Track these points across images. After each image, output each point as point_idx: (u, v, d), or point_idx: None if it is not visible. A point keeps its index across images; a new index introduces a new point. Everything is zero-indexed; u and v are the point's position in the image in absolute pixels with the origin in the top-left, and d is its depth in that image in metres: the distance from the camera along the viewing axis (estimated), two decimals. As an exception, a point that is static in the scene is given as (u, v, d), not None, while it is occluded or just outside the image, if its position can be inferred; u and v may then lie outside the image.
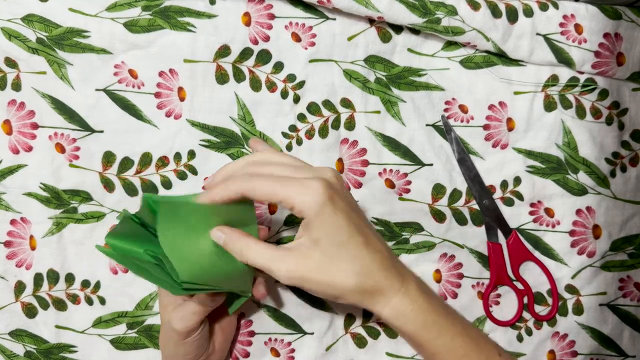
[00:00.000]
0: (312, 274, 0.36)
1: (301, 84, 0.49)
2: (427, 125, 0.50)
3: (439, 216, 0.50)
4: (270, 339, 0.51)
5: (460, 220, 0.50)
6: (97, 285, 0.50)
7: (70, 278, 0.50)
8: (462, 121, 0.50)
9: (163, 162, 0.49)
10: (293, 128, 0.49)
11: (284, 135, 0.50)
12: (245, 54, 0.49)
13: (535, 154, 0.50)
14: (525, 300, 0.50)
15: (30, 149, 0.49)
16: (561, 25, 0.48)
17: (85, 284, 0.50)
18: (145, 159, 0.49)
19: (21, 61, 0.48)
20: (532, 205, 0.50)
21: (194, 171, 0.50)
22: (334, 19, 0.48)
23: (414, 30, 0.49)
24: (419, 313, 0.37)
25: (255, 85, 0.49)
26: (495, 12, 0.47)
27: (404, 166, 0.50)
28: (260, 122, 0.49)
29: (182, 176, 0.50)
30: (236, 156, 0.50)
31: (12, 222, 0.50)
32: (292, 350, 0.51)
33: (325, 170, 0.38)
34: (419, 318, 0.37)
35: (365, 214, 0.49)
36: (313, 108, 0.49)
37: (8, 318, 0.50)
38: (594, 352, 0.51)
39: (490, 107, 0.50)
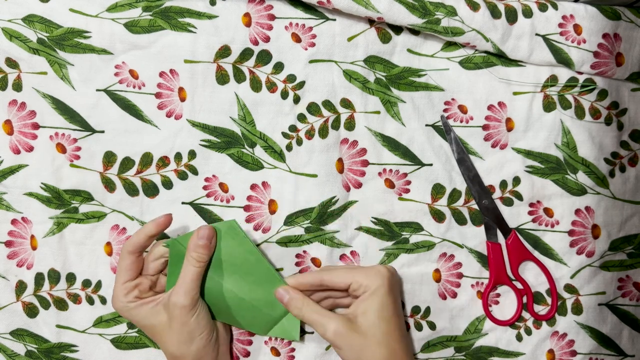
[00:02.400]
0: (353, 337, 0.43)
1: (301, 84, 0.49)
2: (426, 125, 0.50)
3: (438, 216, 0.50)
4: (270, 338, 0.51)
5: (460, 220, 0.50)
6: (98, 285, 0.50)
7: (71, 278, 0.50)
8: (461, 121, 0.50)
9: (164, 162, 0.50)
10: (293, 128, 0.50)
11: (284, 135, 0.50)
12: (246, 54, 0.49)
13: (534, 154, 0.50)
14: (525, 299, 0.50)
15: (31, 149, 0.49)
16: (560, 25, 0.48)
17: (86, 283, 0.50)
18: (146, 159, 0.50)
19: (22, 61, 0.48)
20: (531, 205, 0.50)
21: (194, 171, 0.50)
22: (334, 20, 0.49)
23: (414, 31, 0.49)
24: None
25: (256, 85, 0.49)
26: (495, 13, 0.47)
27: (403, 166, 0.50)
28: (261, 122, 0.50)
29: (182, 176, 0.50)
30: (236, 156, 0.50)
31: (13, 222, 0.50)
32: (292, 350, 0.51)
33: (389, 266, 0.48)
34: None
35: (365, 215, 0.50)
36: (313, 108, 0.49)
37: (9, 318, 0.50)
38: (593, 351, 0.51)
39: (490, 107, 0.50)
